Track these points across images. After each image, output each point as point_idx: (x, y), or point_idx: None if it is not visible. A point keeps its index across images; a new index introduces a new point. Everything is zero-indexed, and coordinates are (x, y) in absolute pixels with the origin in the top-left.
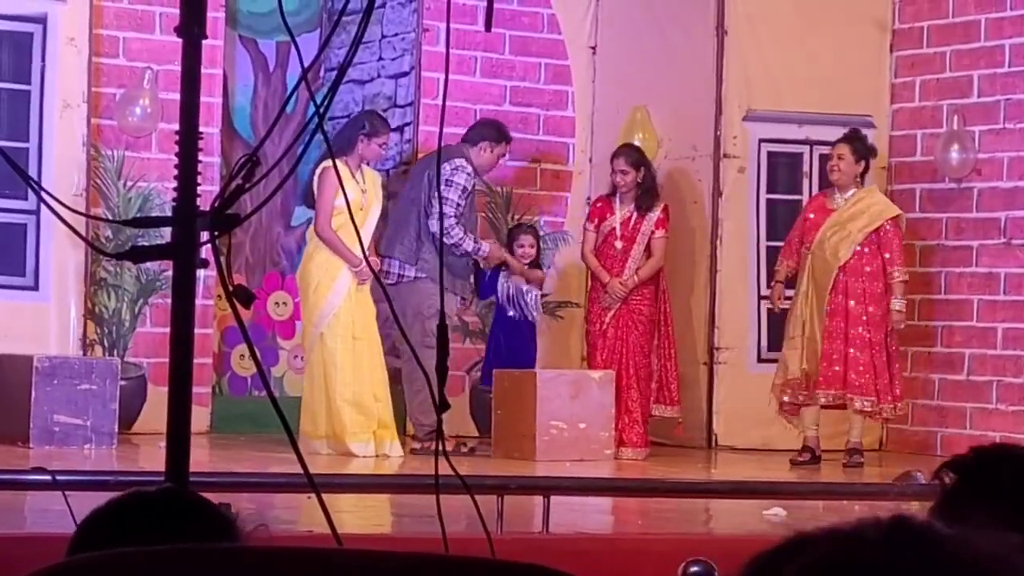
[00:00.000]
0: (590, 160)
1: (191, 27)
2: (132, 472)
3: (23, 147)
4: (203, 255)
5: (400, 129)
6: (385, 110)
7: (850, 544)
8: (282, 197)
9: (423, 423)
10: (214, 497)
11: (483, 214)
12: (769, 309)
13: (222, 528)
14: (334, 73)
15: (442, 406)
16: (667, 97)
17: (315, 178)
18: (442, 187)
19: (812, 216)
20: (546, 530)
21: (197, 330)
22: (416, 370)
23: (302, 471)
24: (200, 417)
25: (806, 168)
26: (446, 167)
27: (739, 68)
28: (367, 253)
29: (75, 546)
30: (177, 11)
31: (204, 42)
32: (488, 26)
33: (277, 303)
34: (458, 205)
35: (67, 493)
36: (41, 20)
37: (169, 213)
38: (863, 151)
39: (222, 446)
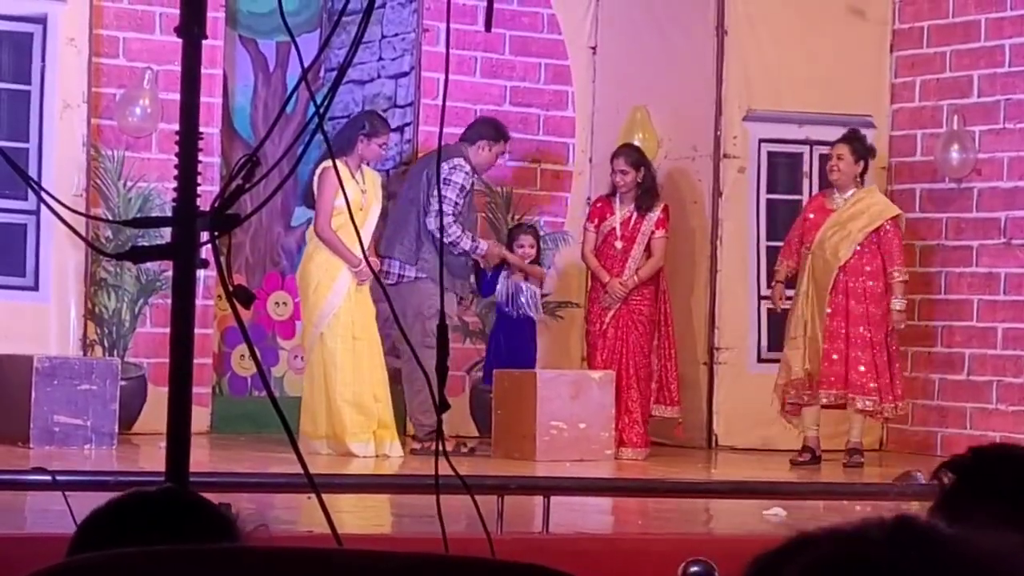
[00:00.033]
0: (590, 160)
1: (191, 27)
2: (132, 472)
3: (23, 147)
4: (203, 255)
5: (400, 129)
6: (385, 110)
7: (853, 544)
8: (282, 197)
9: (423, 423)
10: (214, 497)
11: (483, 214)
12: (770, 309)
13: (222, 528)
14: (334, 73)
15: (442, 406)
16: (667, 97)
17: (315, 178)
18: (442, 188)
19: (812, 216)
20: (546, 530)
21: (197, 330)
22: (416, 370)
23: (302, 471)
24: (200, 417)
25: (806, 168)
26: (444, 166)
27: (739, 68)
28: (367, 253)
29: (75, 546)
30: (177, 11)
31: (204, 42)
32: (488, 26)
33: (277, 303)
34: (456, 204)
35: (67, 493)
36: (41, 20)
37: (169, 213)
38: (862, 151)
39: (222, 446)
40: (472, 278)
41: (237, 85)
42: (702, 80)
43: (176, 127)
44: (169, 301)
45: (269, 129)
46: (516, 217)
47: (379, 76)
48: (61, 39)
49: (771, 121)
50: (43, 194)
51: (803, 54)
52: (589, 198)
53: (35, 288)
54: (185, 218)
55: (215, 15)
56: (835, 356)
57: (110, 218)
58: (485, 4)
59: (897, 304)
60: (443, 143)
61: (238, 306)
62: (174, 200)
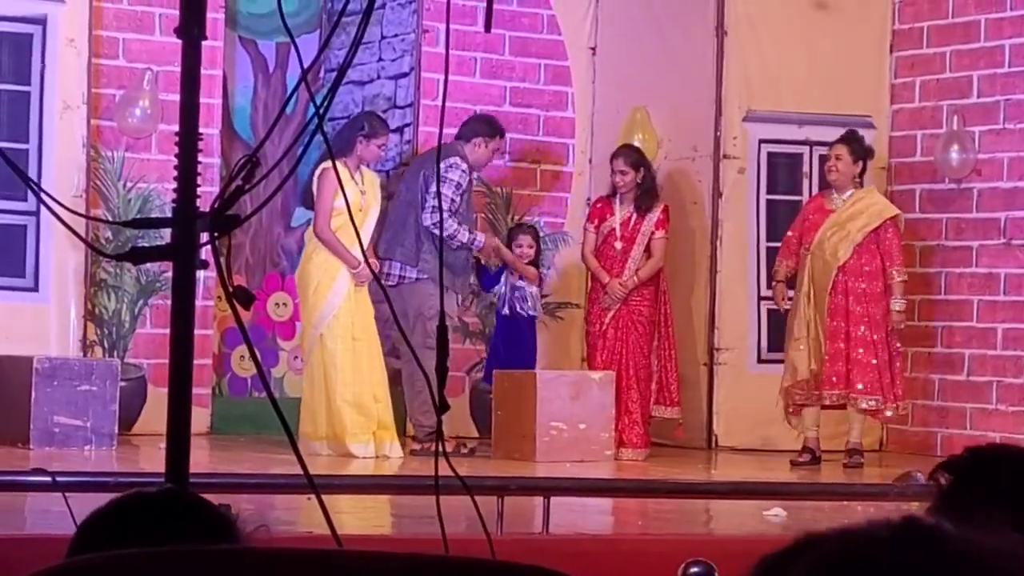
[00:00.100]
0: (590, 161)
1: (191, 28)
2: (132, 473)
3: (23, 148)
4: (203, 256)
5: (400, 130)
6: (385, 111)
7: (859, 543)
8: (282, 198)
9: (423, 424)
10: (214, 498)
11: (483, 215)
12: (772, 309)
13: (222, 529)
14: (334, 74)
15: (442, 407)
16: (667, 98)
17: (314, 179)
18: (436, 185)
19: (811, 217)
20: (546, 531)
21: (197, 331)
22: (417, 371)
23: (302, 472)
24: (200, 418)
25: (806, 168)
26: (442, 166)
27: (739, 68)
28: (366, 254)
29: (75, 547)
30: (177, 12)
31: (204, 43)
32: (488, 27)
33: (277, 304)
34: (453, 201)
35: (67, 494)
36: (41, 21)
37: (169, 214)
38: (861, 152)
39: (222, 447)
40: (473, 276)
41: (237, 86)
42: (702, 80)
43: (176, 128)
44: (169, 302)
45: (269, 130)
46: (516, 218)
47: (379, 77)
48: (61, 40)
49: (771, 121)
50: (43, 195)
51: (803, 54)
52: (589, 199)
53: (35, 289)
54: (185, 219)
55: (215, 16)
56: (837, 356)
57: (110, 219)
58: (485, 5)
59: (896, 304)
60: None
61: (238, 307)
62: (174, 201)
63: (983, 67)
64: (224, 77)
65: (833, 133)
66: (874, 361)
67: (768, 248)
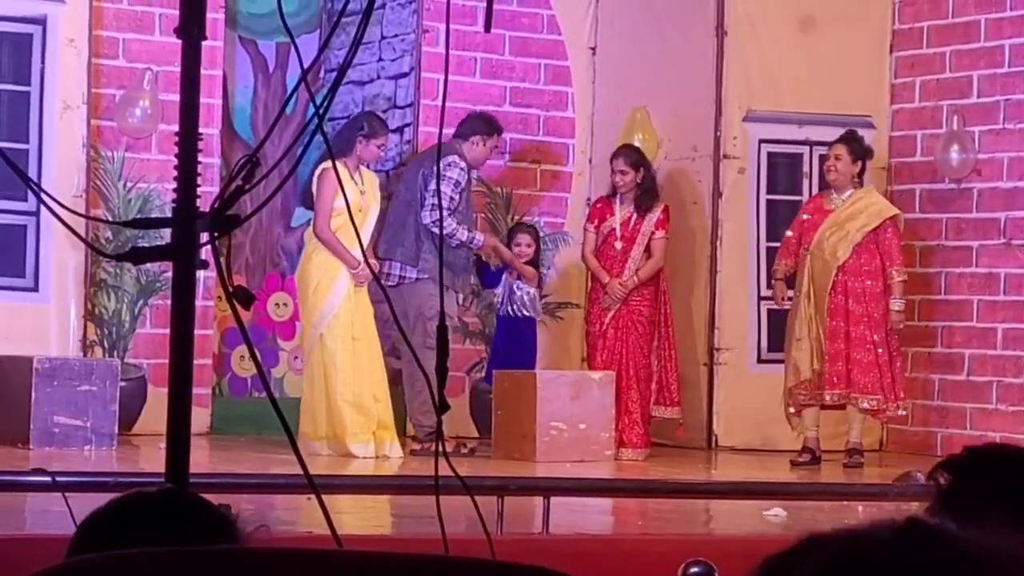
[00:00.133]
0: (590, 161)
1: (191, 28)
2: (132, 473)
3: (23, 148)
4: (203, 256)
5: (400, 130)
6: (385, 111)
7: (862, 544)
8: (282, 198)
9: (423, 424)
10: (214, 498)
11: (483, 214)
12: (771, 309)
13: (222, 529)
14: (334, 74)
15: (442, 407)
16: (667, 98)
17: (314, 179)
18: (435, 184)
19: (810, 217)
20: (546, 531)
21: (197, 331)
22: (417, 371)
23: (302, 472)
24: (200, 418)
25: (806, 169)
26: (440, 164)
27: (739, 68)
28: (366, 255)
29: (75, 547)
30: (177, 12)
31: (204, 43)
32: (488, 27)
33: (277, 304)
34: (452, 199)
35: (67, 494)
36: (41, 21)
37: (169, 214)
38: (860, 152)
39: (222, 447)
40: (474, 274)
41: (237, 86)
42: (702, 80)
43: (176, 128)
44: (169, 302)
45: (269, 130)
46: (516, 218)
47: (379, 77)
48: (61, 40)
49: (771, 122)
50: (43, 195)
51: (803, 54)
52: (589, 199)
53: (35, 289)
54: (185, 219)
55: (215, 16)
56: (837, 356)
57: (110, 219)
58: (485, 5)
59: (896, 304)
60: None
61: (238, 307)
62: (174, 201)
63: (983, 67)
64: (224, 77)
65: (833, 133)
66: (874, 361)
67: (768, 248)
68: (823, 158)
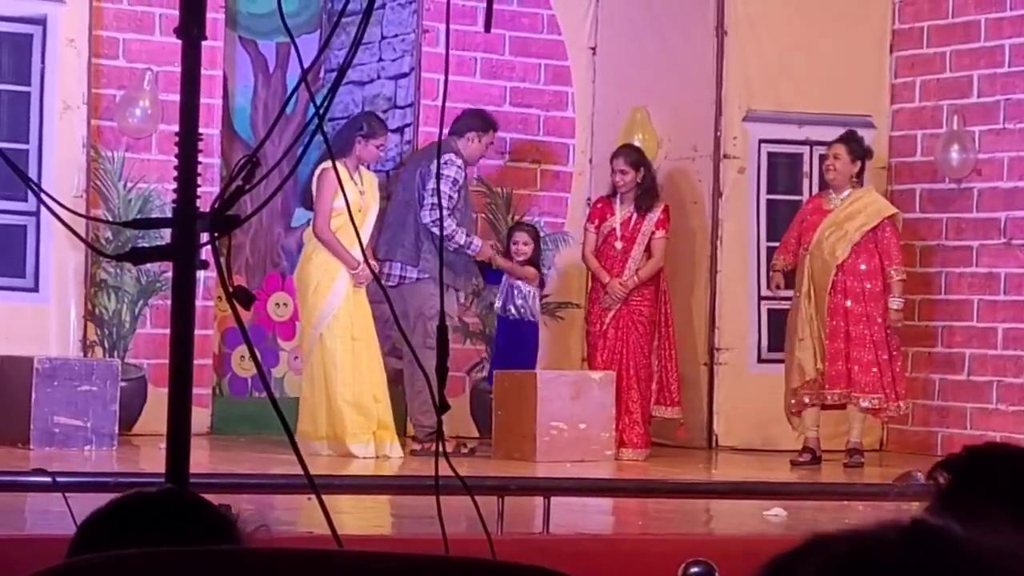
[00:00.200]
0: (590, 161)
1: (191, 28)
2: (132, 473)
3: (23, 148)
4: (203, 256)
5: (400, 130)
6: (385, 111)
7: (867, 544)
8: (282, 198)
9: (423, 424)
10: (214, 498)
11: (483, 215)
12: (772, 309)
13: (222, 529)
14: (334, 74)
15: (442, 407)
16: (667, 98)
17: (314, 179)
18: (433, 183)
19: (809, 217)
20: (547, 531)
21: (197, 331)
22: (417, 371)
23: (302, 472)
24: (200, 418)
25: (806, 168)
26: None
27: (739, 68)
28: (366, 255)
29: (75, 547)
30: (177, 12)
31: (204, 43)
32: (488, 27)
33: (277, 304)
34: (451, 198)
35: (67, 495)
36: (41, 21)
37: (169, 214)
38: (859, 151)
39: (222, 447)
40: (476, 270)
41: (237, 86)
42: (702, 80)
43: (176, 128)
44: (169, 302)
45: (269, 130)
46: (516, 218)
47: (379, 77)
48: (61, 40)
49: (771, 121)
50: (43, 195)
51: (803, 54)
52: (589, 199)
53: (35, 289)
54: (185, 219)
55: (215, 16)
56: (836, 355)
57: (110, 219)
58: (485, 5)
59: (895, 303)
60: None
61: (238, 307)
62: (174, 201)
63: (983, 67)
64: (224, 77)
65: (833, 133)
66: (874, 360)
67: (768, 248)
68: (823, 158)
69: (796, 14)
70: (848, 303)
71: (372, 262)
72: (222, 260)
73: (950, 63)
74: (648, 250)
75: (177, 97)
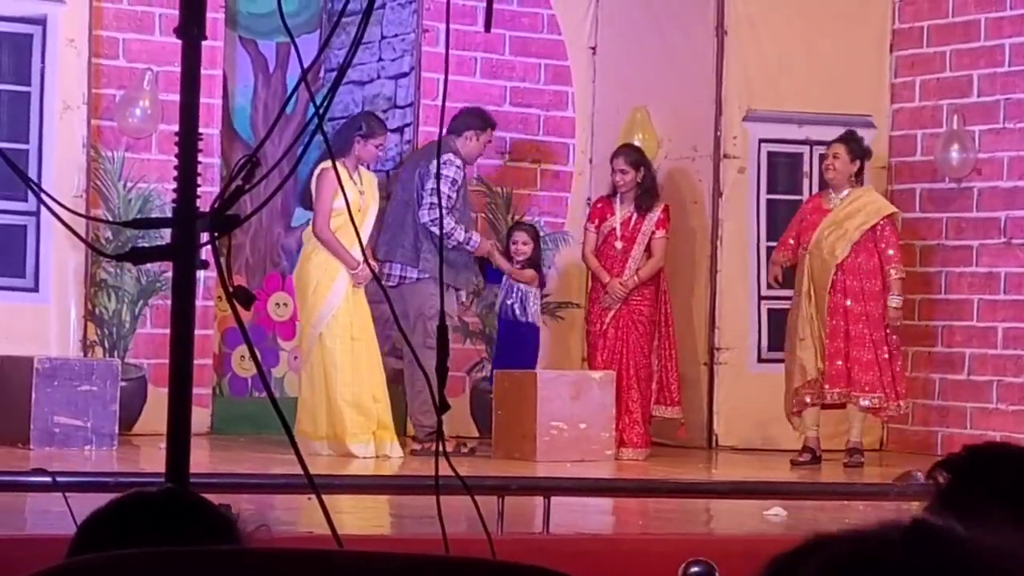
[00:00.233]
0: (590, 161)
1: (191, 28)
2: (132, 473)
3: (23, 148)
4: (203, 256)
5: (400, 130)
6: (385, 111)
7: (869, 544)
8: (282, 198)
9: (423, 424)
10: (214, 498)
11: (483, 215)
12: (772, 309)
13: (223, 529)
14: (334, 74)
15: (442, 407)
16: (667, 97)
17: (313, 179)
18: (431, 182)
19: (808, 217)
20: (547, 531)
21: (197, 331)
22: (417, 371)
23: (302, 472)
24: (200, 418)
25: (806, 168)
26: (435, 162)
27: (739, 68)
28: (366, 255)
29: (75, 547)
30: (177, 12)
31: (204, 43)
32: (488, 27)
33: (277, 304)
34: (449, 197)
35: (67, 494)
36: (41, 21)
37: (169, 214)
38: (858, 151)
39: (222, 447)
40: (476, 270)
41: (237, 86)
42: (702, 80)
43: (176, 128)
44: (169, 302)
45: (269, 130)
46: (516, 218)
47: (379, 77)
48: (61, 40)
49: (771, 121)
50: (43, 195)
51: (803, 54)
52: (589, 198)
53: (35, 289)
54: (185, 219)
55: (215, 16)
56: (836, 355)
57: (110, 219)
58: (485, 5)
59: (893, 301)
60: (429, 140)
61: (238, 307)
62: (174, 201)
63: (983, 66)
64: (224, 77)
65: (833, 133)
66: (874, 359)
67: (768, 248)
68: (823, 157)
69: (796, 14)
70: (848, 302)
71: (372, 263)
72: (222, 260)
73: (950, 63)
74: (648, 250)
75: (177, 97)
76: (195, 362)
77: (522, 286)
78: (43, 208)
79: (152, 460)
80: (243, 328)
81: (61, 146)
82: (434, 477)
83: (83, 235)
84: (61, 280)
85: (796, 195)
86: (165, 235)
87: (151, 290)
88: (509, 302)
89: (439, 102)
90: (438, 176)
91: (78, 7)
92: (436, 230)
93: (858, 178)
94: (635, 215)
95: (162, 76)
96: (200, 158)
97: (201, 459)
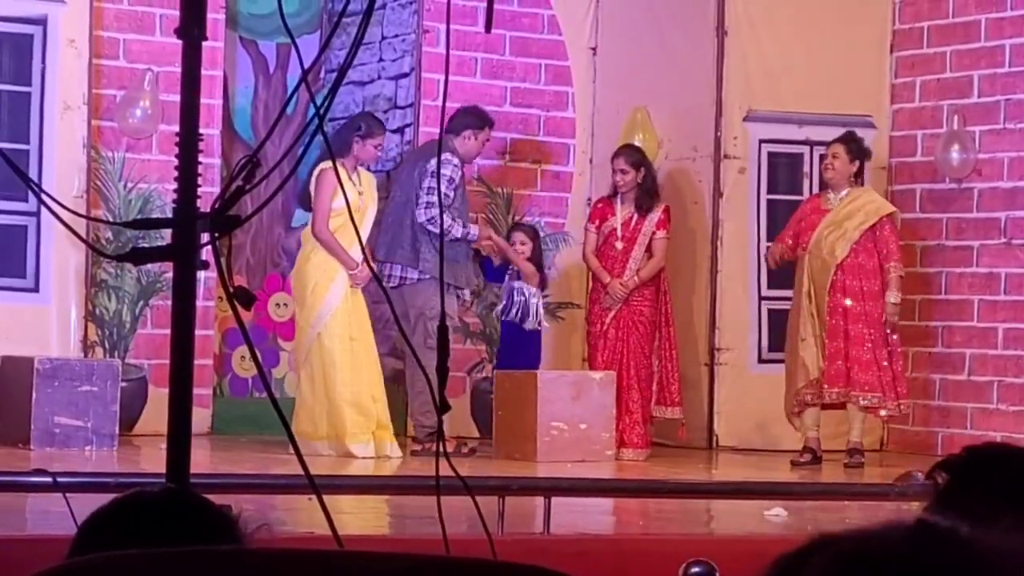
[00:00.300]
0: (591, 161)
1: (191, 29)
2: (133, 474)
3: (24, 149)
4: (204, 257)
5: (400, 130)
6: (385, 111)
7: (874, 543)
8: (283, 198)
9: (424, 424)
10: (215, 499)
11: (483, 215)
12: (772, 309)
13: (223, 529)
14: (334, 74)
15: (442, 407)
16: (667, 98)
17: (312, 180)
18: (429, 181)
19: (808, 217)
20: (547, 531)
21: (198, 332)
22: (418, 371)
23: (303, 472)
24: (201, 418)
25: (806, 168)
26: (433, 162)
27: (739, 68)
28: (367, 256)
29: (76, 548)
30: (177, 13)
31: (204, 44)
32: (488, 27)
33: (278, 304)
34: (447, 196)
35: (68, 495)
36: (41, 22)
37: (170, 215)
38: (858, 152)
39: (223, 447)
40: (476, 270)
41: (237, 86)
42: (702, 81)
43: (176, 128)
44: (170, 302)
45: (269, 130)
46: (516, 218)
47: (379, 77)
48: (61, 40)
49: (771, 121)
50: (43, 196)
51: (803, 54)
52: (590, 199)
53: (36, 290)
54: (185, 219)
55: (215, 16)
56: (836, 354)
57: (110, 219)
58: (485, 5)
59: (892, 297)
60: (427, 140)
61: (239, 307)
62: (174, 201)
63: (983, 67)
64: (225, 78)
65: (833, 133)
66: (873, 359)
67: (768, 248)
68: (823, 158)
69: (796, 14)
70: (848, 302)
71: (371, 263)
72: (222, 260)
73: (950, 63)
74: (649, 250)
75: (177, 97)
76: (196, 362)
77: (525, 287)
78: (43, 208)
79: (152, 460)
80: (243, 328)
81: (61, 146)
82: (435, 477)
83: (83, 236)
84: (62, 280)
85: (796, 195)
86: (166, 235)
87: (151, 290)
88: (513, 310)
89: (439, 102)
90: (438, 176)
91: (78, 7)
92: (433, 229)
93: (857, 178)
94: (636, 215)
95: (162, 76)
96: (200, 159)
97: (201, 459)
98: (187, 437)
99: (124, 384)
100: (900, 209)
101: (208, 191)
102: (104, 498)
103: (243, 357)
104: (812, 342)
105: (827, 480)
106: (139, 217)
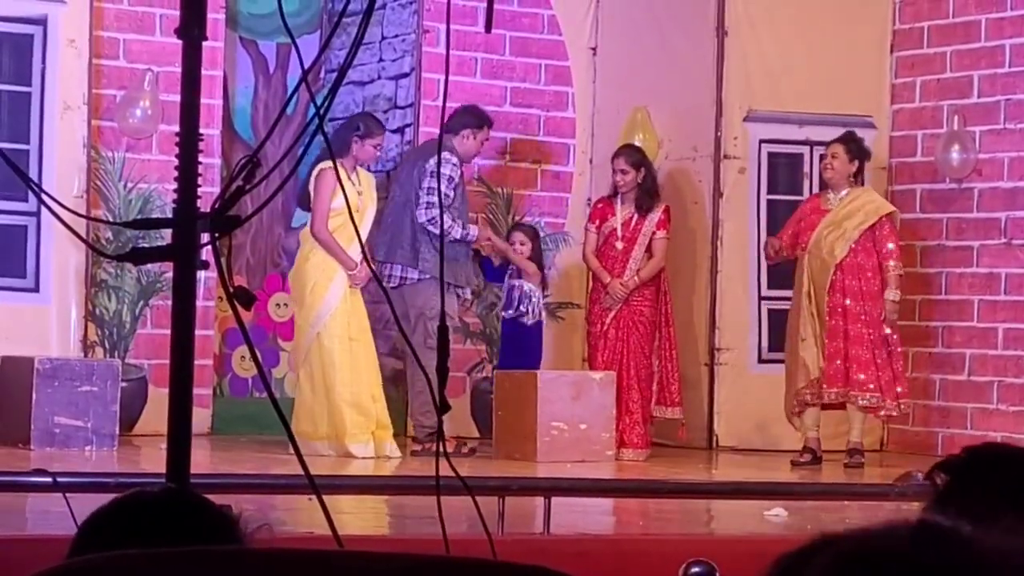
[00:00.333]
0: (591, 161)
1: (191, 29)
2: (133, 474)
3: (24, 149)
4: (204, 257)
5: (400, 130)
6: (385, 111)
7: (876, 543)
8: (283, 198)
9: (424, 424)
10: (215, 499)
11: (483, 215)
12: (772, 309)
13: (223, 529)
14: (334, 74)
15: (442, 407)
16: (667, 98)
17: (311, 180)
18: (429, 181)
19: (807, 217)
20: (547, 531)
21: (198, 332)
22: (418, 371)
23: (303, 472)
24: (201, 418)
25: (806, 169)
26: (432, 161)
27: (739, 68)
28: (367, 256)
29: (76, 548)
30: (177, 13)
31: (204, 44)
32: (488, 27)
33: (278, 304)
34: (446, 196)
35: (68, 495)
36: (41, 22)
37: (170, 215)
38: (857, 152)
39: (223, 447)
40: (476, 270)
41: (237, 86)
42: (702, 81)
43: (176, 128)
44: (170, 302)
45: (269, 130)
46: (516, 218)
47: (379, 77)
48: (61, 40)
49: (771, 122)
50: (43, 196)
51: (803, 54)
52: (590, 199)
53: (36, 290)
54: (185, 219)
55: (215, 16)
56: (835, 354)
57: (110, 219)
58: (485, 5)
59: (891, 295)
60: (426, 139)
61: (239, 307)
62: (174, 201)
63: (984, 67)
64: (225, 78)
65: (833, 133)
66: (872, 358)
67: (768, 240)
68: (822, 158)
69: (796, 14)
70: (847, 302)
71: (371, 263)
72: (222, 260)
73: (950, 63)
74: (649, 250)
75: (177, 97)
76: (196, 362)
77: (526, 286)
78: (43, 208)
79: (152, 460)
80: (244, 328)
81: (61, 146)
82: (435, 477)
83: (84, 235)
84: (62, 280)
85: (796, 195)
86: (166, 235)
87: (152, 290)
88: (511, 310)
89: (439, 102)
90: (438, 176)
91: (79, 7)
92: (434, 229)
93: (857, 178)
94: (636, 215)
95: (163, 76)
96: (200, 158)
97: (201, 459)
98: (187, 437)
99: (124, 384)
100: (900, 209)
101: (208, 191)
102: (104, 498)
103: (243, 357)
104: (812, 342)
105: (827, 480)
106: (139, 217)
